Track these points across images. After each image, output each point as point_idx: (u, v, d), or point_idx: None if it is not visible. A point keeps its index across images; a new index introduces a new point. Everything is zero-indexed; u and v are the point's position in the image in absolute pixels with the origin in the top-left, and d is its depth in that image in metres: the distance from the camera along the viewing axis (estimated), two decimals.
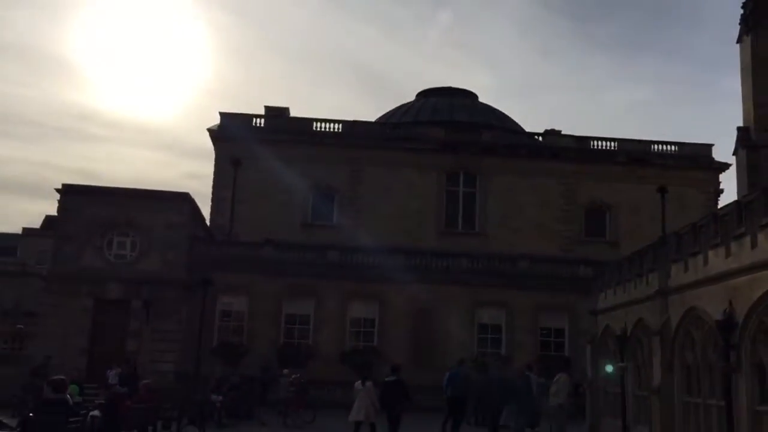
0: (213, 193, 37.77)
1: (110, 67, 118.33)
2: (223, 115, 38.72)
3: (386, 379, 15.75)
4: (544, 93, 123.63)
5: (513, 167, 38.28)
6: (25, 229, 76.06)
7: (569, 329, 30.71)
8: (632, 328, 16.99)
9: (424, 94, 46.69)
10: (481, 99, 47.40)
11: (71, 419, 10.90)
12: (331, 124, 38.87)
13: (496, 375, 20.38)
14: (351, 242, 34.91)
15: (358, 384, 15.74)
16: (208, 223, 35.28)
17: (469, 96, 46.54)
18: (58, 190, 28.08)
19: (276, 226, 35.19)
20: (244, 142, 37.17)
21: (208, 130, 38.28)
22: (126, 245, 28.32)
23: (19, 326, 30.44)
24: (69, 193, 28.11)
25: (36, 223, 79.40)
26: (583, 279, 28.54)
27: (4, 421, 10.55)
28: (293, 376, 22.11)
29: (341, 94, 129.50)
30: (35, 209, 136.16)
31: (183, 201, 28.90)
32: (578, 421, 20.42)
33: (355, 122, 39.19)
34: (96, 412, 12.72)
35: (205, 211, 35.42)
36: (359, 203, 37.61)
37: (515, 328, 30.78)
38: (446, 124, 40.33)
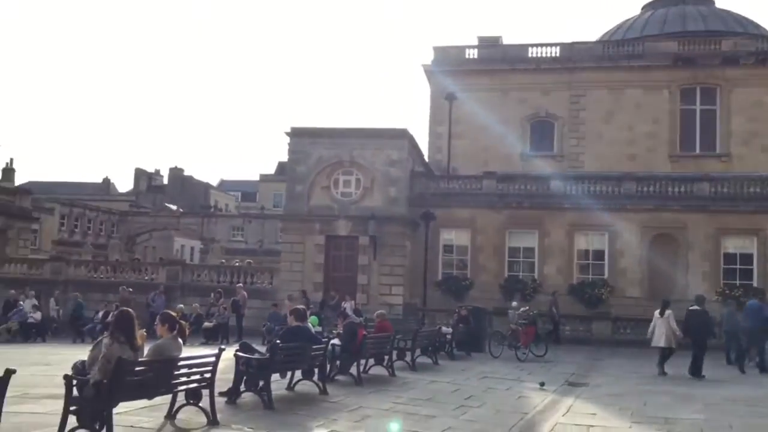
0: (429, 129, 37.68)
1: None
2: (436, 49, 38.15)
3: (690, 308, 16.72)
4: None
5: (760, 78, 33.68)
6: (261, 176, 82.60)
7: None
8: None
9: (651, 6, 42.51)
10: (719, 4, 42.13)
11: (314, 347, 11.15)
12: (548, 48, 36.69)
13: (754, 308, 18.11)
14: (574, 171, 33.20)
15: (656, 313, 16.79)
16: (426, 159, 35.28)
17: (703, 2, 41.51)
18: (287, 134, 29.43)
19: (494, 158, 34.40)
20: (459, 75, 36.48)
21: (423, 65, 37.99)
22: (351, 183, 29.10)
23: (248, 261, 32.77)
24: (297, 136, 29.32)
25: (271, 169, 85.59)
26: None
27: (256, 347, 10.93)
28: (521, 309, 21.44)
29: (557, 16, 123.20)
30: (270, 156, 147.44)
31: (402, 137, 28.96)
32: None
33: (573, 44, 36.65)
34: (336, 341, 12.99)
35: (422, 148, 35.41)
36: (581, 130, 35.50)
37: None
38: (678, 35, 36.39)
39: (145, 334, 7.78)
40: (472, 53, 37.76)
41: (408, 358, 15.84)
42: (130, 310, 7.66)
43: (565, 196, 29.16)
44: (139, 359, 7.45)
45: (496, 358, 19.15)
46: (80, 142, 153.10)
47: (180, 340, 8.09)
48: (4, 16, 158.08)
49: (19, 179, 56.22)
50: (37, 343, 24.76)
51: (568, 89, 35.66)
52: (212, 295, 26.51)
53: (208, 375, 8.50)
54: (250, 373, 10.00)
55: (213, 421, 8.38)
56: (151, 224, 60.36)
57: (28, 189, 41.01)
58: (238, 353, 10.14)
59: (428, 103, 37.82)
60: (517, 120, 35.91)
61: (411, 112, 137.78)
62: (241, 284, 27.67)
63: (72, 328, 26.22)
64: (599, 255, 29.06)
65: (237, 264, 33.10)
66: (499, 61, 36.59)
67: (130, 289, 26.99)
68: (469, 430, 9.27)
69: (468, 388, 13.12)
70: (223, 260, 38.72)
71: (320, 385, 11.31)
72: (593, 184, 29.43)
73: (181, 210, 65.04)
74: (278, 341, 10.27)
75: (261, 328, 23.71)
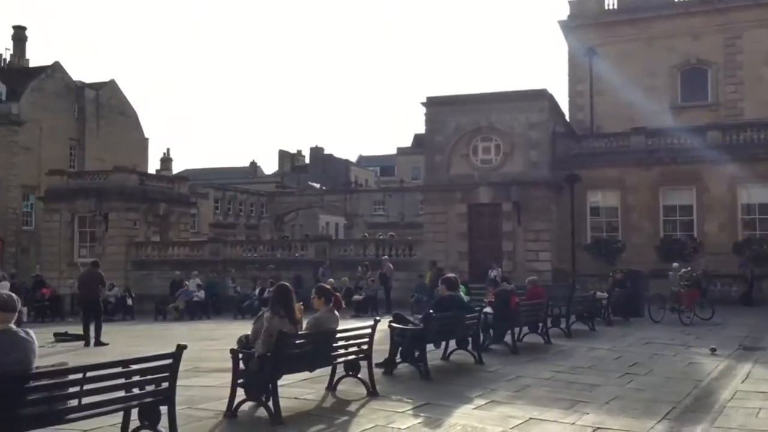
0: (569, 88, 36.11)
1: None
2: (572, 3, 36.35)
3: None
4: None
5: None
6: (399, 149, 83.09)
7: None
8: None
9: None
10: None
11: (468, 316, 10.91)
12: None
13: None
14: (734, 120, 30.59)
15: None
16: (567, 120, 33.86)
17: None
18: (423, 104, 29.18)
19: (640, 114, 32.35)
20: (598, 27, 34.60)
21: (558, 22, 36.36)
22: (490, 149, 28.45)
23: (390, 234, 32.97)
24: (433, 105, 29.00)
25: (408, 142, 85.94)
26: None
27: (408, 317, 10.84)
28: (683, 270, 20.06)
29: None
30: (406, 129, 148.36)
31: (541, 98, 27.88)
32: None
33: None
34: (488, 309, 12.68)
35: (562, 108, 34.01)
36: (739, 74, 32.64)
37: None
38: None
39: (302, 307, 7.86)
40: (612, 3, 35.65)
41: (563, 325, 15.26)
42: (287, 284, 7.75)
43: (725, 148, 26.94)
44: (299, 332, 7.53)
45: (658, 323, 18.08)
46: (227, 130, 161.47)
47: (336, 313, 8.11)
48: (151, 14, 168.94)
49: (176, 168, 60.17)
50: (202, 320, 26.25)
51: (722, 32, 32.87)
52: (359, 268, 26.96)
53: (365, 346, 8.48)
54: (405, 343, 9.92)
55: (372, 393, 8.35)
56: (296, 203, 62.45)
57: (185, 176, 43.56)
58: (392, 324, 10.08)
59: (566, 60, 36.22)
60: (664, 70, 33.64)
61: (547, 73, 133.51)
62: (386, 257, 27.95)
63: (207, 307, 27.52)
64: (766, 209, 26.66)
65: (380, 237, 33.46)
66: (642, 9, 34.29)
67: (271, 266, 28.22)
68: (639, 399, 8.68)
69: (631, 355, 12.39)
70: (366, 234, 39.31)
71: (475, 354, 11.07)
72: (756, 132, 26.96)
73: (323, 188, 66.77)
74: (431, 311, 10.09)
75: (409, 299, 23.82)
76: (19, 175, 44.00)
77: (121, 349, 15.14)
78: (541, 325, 13.87)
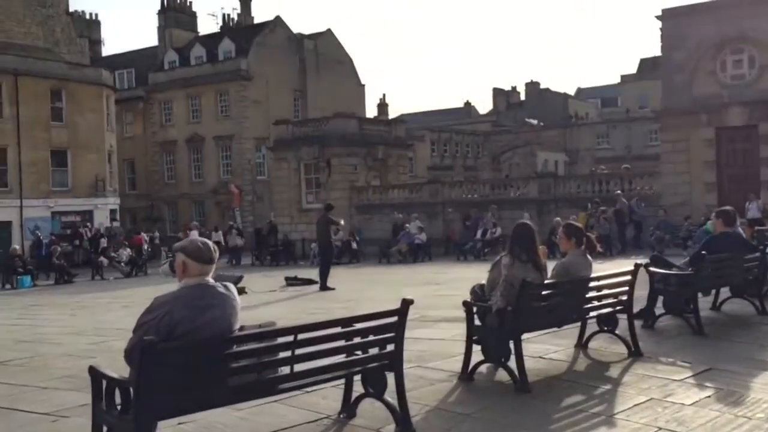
0: None
1: None
2: None
3: None
4: None
5: None
6: (622, 77, 77.23)
7: None
8: None
9: None
10: None
11: (747, 257, 8.81)
12: None
13: None
14: None
15: None
16: None
17: None
18: (657, 17, 25.75)
19: None
20: None
21: None
22: (742, 63, 24.53)
23: (624, 167, 30.14)
24: (670, 18, 25.48)
25: (632, 68, 79.51)
26: None
27: (668, 260, 9.04)
28: None
29: None
30: (630, 55, 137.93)
31: None
32: None
33: None
34: None
35: None
36: None
37: None
38: None
39: (546, 250, 6.52)
40: None
41: None
42: (528, 222, 6.43)
43: None
44: (545, 281, 6.20)
45: None
46: (439, 72, 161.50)
47: (589, 257, 6.65)
48: None
49: (392, 113, 60.76)
50: (424, 262, 26.02)
51: None
52: (589, 205, 24.87)
53: (624, 297, 6.96)
54: (668, 292, 8.19)
55: (635, 352, 6.86)
56: (513, 141, 60.59)
57: (402, 120, 43.48)
58: (651, 269, 8.35)
59: None
60: None
61: None
62: (620, 191, 25.50)
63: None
64: None
65: (604, 171, 30.77)
66: None
67: (494, 206, 26.98)
68: None
69: None
70: (594, 168, 36.70)
71: (756, 303, 8.97)
72: None
73: (541, 124, 63.97)
74: (703, 252, 8.18)
75: (649, 238, 21.53)
76: (251, 127, 46.81)
77: (347, 295, 14.96)
78: None
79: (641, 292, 8.42)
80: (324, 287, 16.09)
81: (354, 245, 29.01)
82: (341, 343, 4.53)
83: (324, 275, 16.29)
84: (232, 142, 47.56)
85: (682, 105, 25.36)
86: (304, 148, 34.67)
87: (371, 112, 57.37)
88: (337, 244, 26.82)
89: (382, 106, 59.35)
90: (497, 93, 79.94)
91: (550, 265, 6.59)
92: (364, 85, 56.06)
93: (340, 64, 53.29)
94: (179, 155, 49.89)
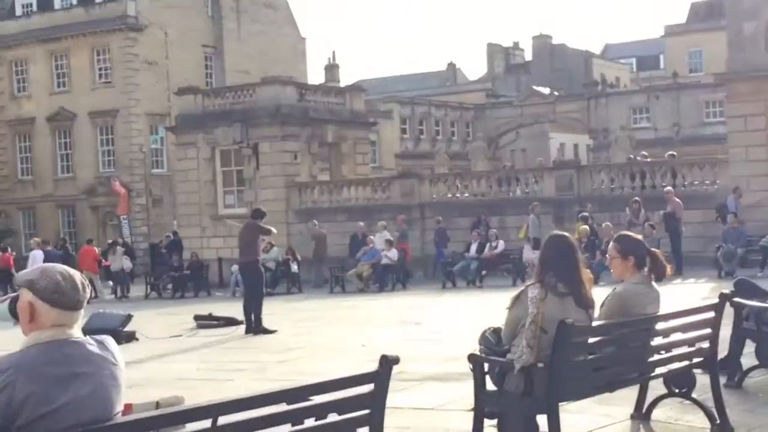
0: None
1: None
2: None
3: None
4: None
5: None
6: (667, 28, 78.27)
7: None
8: None
9: None
10: None
11: None
12: None
13: None
14: None
15: None
16: None
17: None
18: None
19: None
20: None
21: None
22: None
23: (670, 154, 30.56)
24: None
25: (680, 17, 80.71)
26: None
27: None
28: None
29: None
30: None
31: None
32: None
33: None
34: None
35: None
36: None
37: None
38: None
39: (591, 276, 6.21)
40: None
41: None
42: (566, 235, 6.09)
43: None
44: (593, 322, 5.87)
45: None
46: (411, 23, 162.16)
47: (655, 285, 6.34)
48: None
49: (346, 79, 60.55)
50: (396, 290, 25.95)
51: None
52: (627, 208, 24.91)
53: (704, 344, 6.71)
54: (764, 333, 8.02)
55: (721, 426, 6.65)
56: (516, 118, 60.99)
57: (361, 87, 43.23)
58: (737, 300, 8.09)
59: None
60: None
61: None
62: (670, 188, 25.63)
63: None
64: None
65: (647, 159, 30.95)
66: None
67: (439, 217, 26.79)
68: None
69: None
70: (632, 156, 36.88)
71: None
72: None
73: (555, 93, 64.38)
74: None
75: (714, 254, 22.25)
76: (143, 99, 46.24)
77: (288, 341, 14.81)
78: None
79: (722, 332, 8.31)
80: (258, 328, 15.92)
81: (294, 267, 28.66)
82: (287, 429, 4.11)
83: (255, 310, 16.13)
84: (115, 120, 46.95)
85: (756, 65, 25.80)
86: (221, 128, 34.28)
87: (317, 77, 57.20)
88: (270, 266, 26.43)
89: (332, 68, 59.29)
90: (493, 50, 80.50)
91: (597, 298, 6.28)
92: (305, 39, 55.79)
93: (272, 9, 53.00)
94: (38, 140, 49.11)
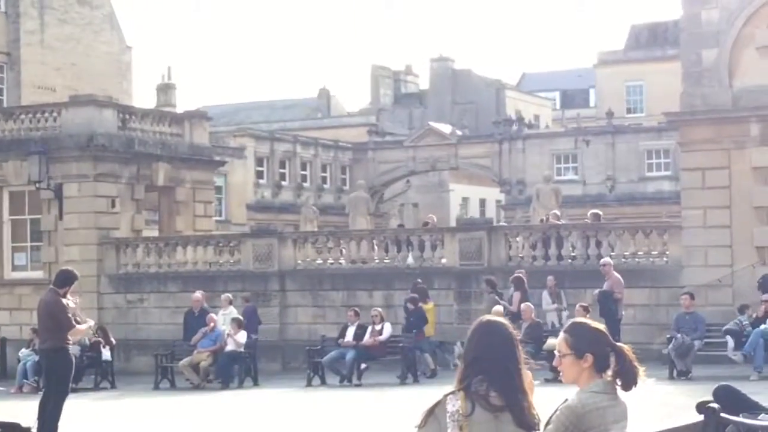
0: None
1: None
2: None
3: None
4: None
5: None
6: (600, 56, 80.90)
7: None
8: None
9: None
10: None
11: None
12: None
13: None
14: None
15: None
16: None
17: None
18: None
19: None
20: None
21: None
22: None
23: (594, 212, 31.69)
24: None
25: (617, 44, 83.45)
26: None
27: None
28: None
29: None
30: (612, 25, 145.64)
31: None
32: None
33: None
34: None
35: None
36: None
37: None
38: None
39: (532, 380, 5.81)
40: None
41: None
42: (495, 319, 5.71)
43: None
44: None
45: None
46: (273, 37, 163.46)
47: (622, 396, 5.98)
48: None
49: (188, 102, 59.95)
50: (244, 387, 25.69)
51: None
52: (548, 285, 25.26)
53: None
54: None
55: None
56: (407, 163, 61.80)
57: (205, 115, 42.93)
58: (723, 415, 7.86)
59: None
60: None
61: None
62: (608, 259, 26.04)
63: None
64: None
65: (558, 220, 31.71)
66: None
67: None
68: None
69: None
70: (546, 216, 37.80)
71: None
72: None
73: (458, 132, 65.31)
74: None
75: (664, 347, 22.76)
76: None
77: None
78: None
79: None
80: None
81: (106, 353, 27.83)
82: None
83: (52, 414, 15.59)
84: None
85: (718, 103, 26.67)
86: (11, 163, 33.86)
87: (146, 99, 56.56)
88: (75, 353, 25.62)
89: (167, 88, 58.88)
90: (379, 75, 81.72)
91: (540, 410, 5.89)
92: (130, 48, 55.24)
93: (88, 6, 52.28)
94: None
